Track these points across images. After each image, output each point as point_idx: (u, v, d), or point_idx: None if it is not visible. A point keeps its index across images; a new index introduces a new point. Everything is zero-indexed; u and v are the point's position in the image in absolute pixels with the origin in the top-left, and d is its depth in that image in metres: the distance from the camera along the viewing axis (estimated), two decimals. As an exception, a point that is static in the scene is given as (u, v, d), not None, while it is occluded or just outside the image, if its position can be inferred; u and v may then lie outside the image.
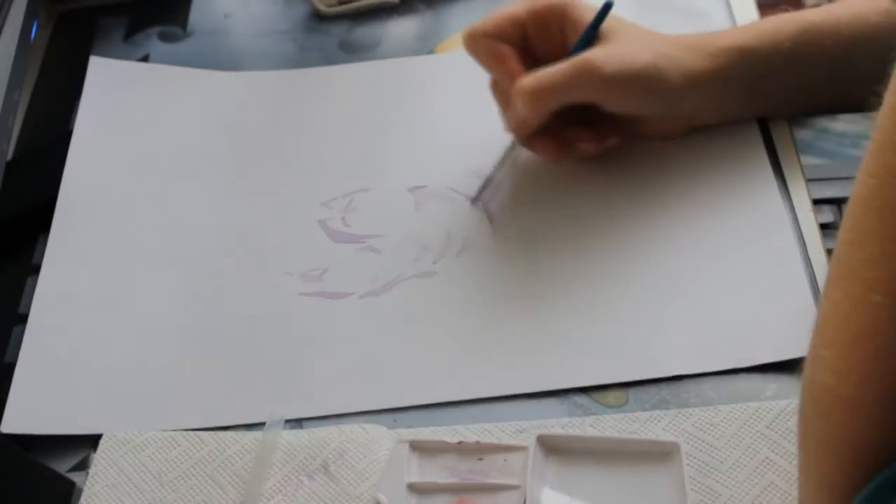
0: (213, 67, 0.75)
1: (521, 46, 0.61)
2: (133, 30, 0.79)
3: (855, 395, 0.35)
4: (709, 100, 0.61)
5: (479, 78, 0.70)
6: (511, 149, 0.63)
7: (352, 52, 0.75)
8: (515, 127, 0.61)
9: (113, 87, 0.74)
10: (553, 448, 0.52)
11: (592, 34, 0.59)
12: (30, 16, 0.67)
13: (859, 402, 0.35)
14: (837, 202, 0.59)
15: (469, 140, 0.67)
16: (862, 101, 0.58)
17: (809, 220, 0.59)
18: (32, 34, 0.69)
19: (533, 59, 0.60)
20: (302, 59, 0.75)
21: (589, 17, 0.59)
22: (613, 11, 0.60)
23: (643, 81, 0.58)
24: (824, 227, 0.59)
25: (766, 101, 0.62)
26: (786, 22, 0.61)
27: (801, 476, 0.41)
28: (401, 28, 0.76)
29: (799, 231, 0.59)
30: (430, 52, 0.74)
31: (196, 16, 0.80)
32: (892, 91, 0.33)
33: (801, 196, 0.60)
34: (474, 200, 0.64)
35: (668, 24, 0.64)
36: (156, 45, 0.78)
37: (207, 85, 0.74)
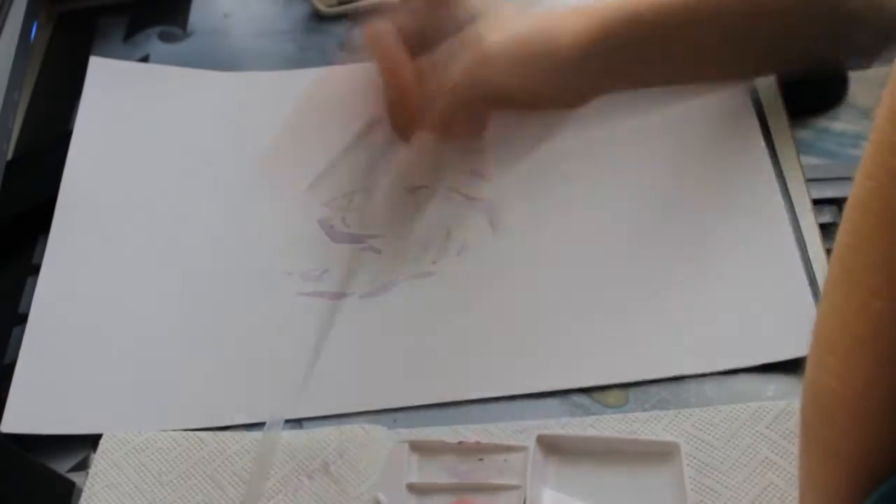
0: (213, 67, 0.75)
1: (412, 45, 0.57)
2: (133, 30, 0.79)
3: (859, 400, 0.35)
4: (602, 65, 0.57)
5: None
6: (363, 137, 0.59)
7: (352, 52, 0.75)
8: (440, 121, 0.57)
9: (113, 88, 0.74)
10: (553, 448, 0.52)
11: None
12: (30, 16, 0.67)
13: (863, 407, 0.35)
14: (837, 202, 0.59)
15: (471, 140, 0.67)
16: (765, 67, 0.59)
17: (809, 220, 0.59)
18: (32, 34, 0.69)
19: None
20: (302, 59, 0.75)
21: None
22: None
23: (535, 60, 0.56)
24: (824, 227, 0.59)
25: (666, 67, 0.60)
26: None
27: (803, 483, 0.40)
28: (401, 28, 0.76)
29: (799, 231, 0.59)
30: (430, 52, 0.74)
31: (196, 16, 0.80)
32: (891, 91, 0.33)
33: (801, 196, 0.60)
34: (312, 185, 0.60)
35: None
36: (156, 46, 0.78)
37: (207, 85, 0.74)
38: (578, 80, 0.57)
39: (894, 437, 0.35)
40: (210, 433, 0.55)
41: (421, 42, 0.57)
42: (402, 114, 0.57)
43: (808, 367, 0.38)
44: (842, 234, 0.36)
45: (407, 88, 0.56)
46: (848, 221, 0.35)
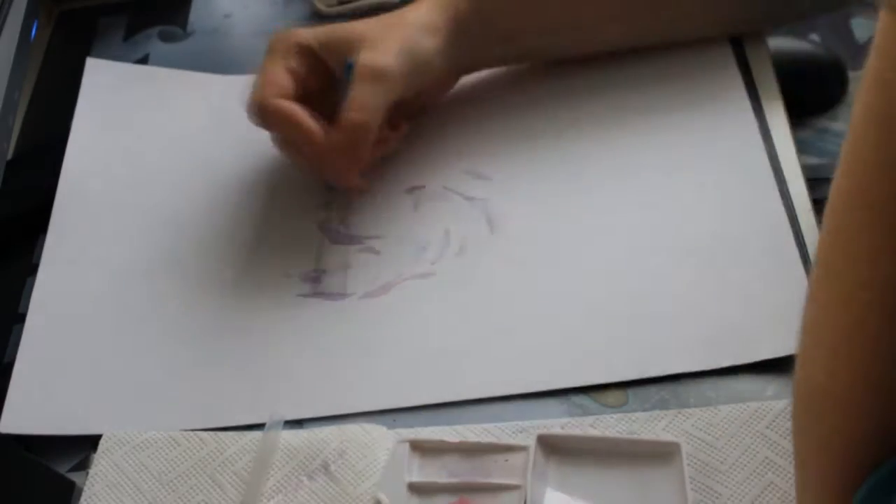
0: (213, 67, 0.75)
1: (297, 95, 0.62)
2: (133, 30, 0.79)
3: (848, 393, 0.35)
4: (460, 47, 0.63)
5: (477, 78, 0.70)
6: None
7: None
8: (353, 164, 0.62)
9: (109, 89, 0.74)
10: (554, 448, 0.52)
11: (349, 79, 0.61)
12: (30, 16, 0.67)
13: (852, 400, 0.35)
14: (837, 202, 0.59)
15: (466, 139, 0.67)
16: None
17: (809, 221, 0.59)
18: (32, 34, 0.69)
19: (307, 100, 0.62)
20: (302, 59, 0.75)
21: (339, 36, 0.62)
22: None
23: (417, 55, 0.61)
24: (824, 227, 0.59)
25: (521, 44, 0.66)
26: None
27: (798, 477, 0.40)
28: (401, 28, 0.76)
29: (799, 230, 0.59)
30: (430, 52, 0.74)
31: (196, 16, 0.80)
32: (864, 89, 0.33)
33: (801, 196, 0.60)
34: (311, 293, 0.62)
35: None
36: (156, 45, 0.78)
37: (203, 87, 0.74)
38: (450, 60, 0.63)
39: (883, 429, 0.35)
40: (210, 433, 0.55)
41: (308, 90, 0.62)
42: (329, 168, 0.62)
43: (797, 362, 0.38)
44: (825, 233, 0.36)
45: (324, 149, 0.60)
46: (830, 218, 0.36)
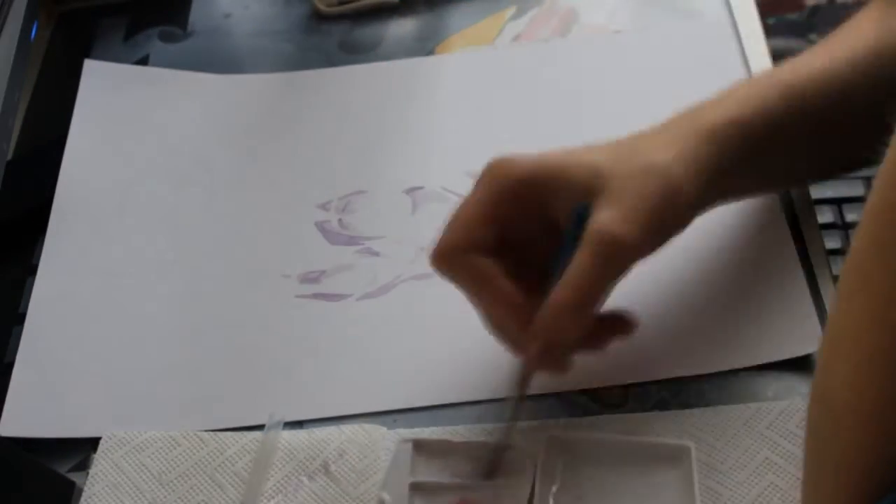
0: (213, 67, 0.75)
1: (499, 241, 0.49)
2: (133, 30, 0.79)
3: (872, 411, 0.34)
4: (713, 186, 0.50)
5: (476, 78, 0.70)
6: (520, 400, 0.51)
7: (352, 52, 0.75)
8: (554, 351, 0.49)
9: (108, 91, 0.74)
10: (562, 448, 0.51)
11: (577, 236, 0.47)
12: (30, 16, 0.67)
13: (876, 418, 0.34)
14: (837, 202, 0.59)
15: (466, 140, 0.67)
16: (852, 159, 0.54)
17: (810, 220, 0.59)
18: (32, 34, 0.69)
19: (512, 244, 0.50)
20: (302, 59, 0.75)
21: (570, 176, 0.48)
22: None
23: (666, 220, 0.48)
24: (824, 227, 0.59)
25: (764, 173, 0.54)
26: (768, 88, 0.51)
27: (807, 489, 0.39)
28: (401, 28, 0.76)
29: (799, 231, 0.59)
30: (431, 52, 0.74)
31: (196, 16, 0.79)
32: None
33: (802, 196, 0.60)
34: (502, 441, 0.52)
35: (666, 23, 0.63)
36: (156, 46, 0.78)
37: (202, 87, 0.74)
38: (697, 210, 0.51)
39: None
40: (210, 433, 0.55)
41: (508, 245, 0.49)
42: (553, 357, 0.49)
43: (819, 373, 0.37)
44: (859, 241, 0.35)
45: (517, 323, 0.48)
46: (866, 229, 0.34)
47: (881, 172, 0.34)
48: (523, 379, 0.50)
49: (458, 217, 0.50)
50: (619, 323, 0.51)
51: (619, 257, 0.47)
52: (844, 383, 0.35)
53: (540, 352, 0.48)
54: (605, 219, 0.46)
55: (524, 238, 0.50)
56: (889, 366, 0.33)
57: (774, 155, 0.52)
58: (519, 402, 0.51)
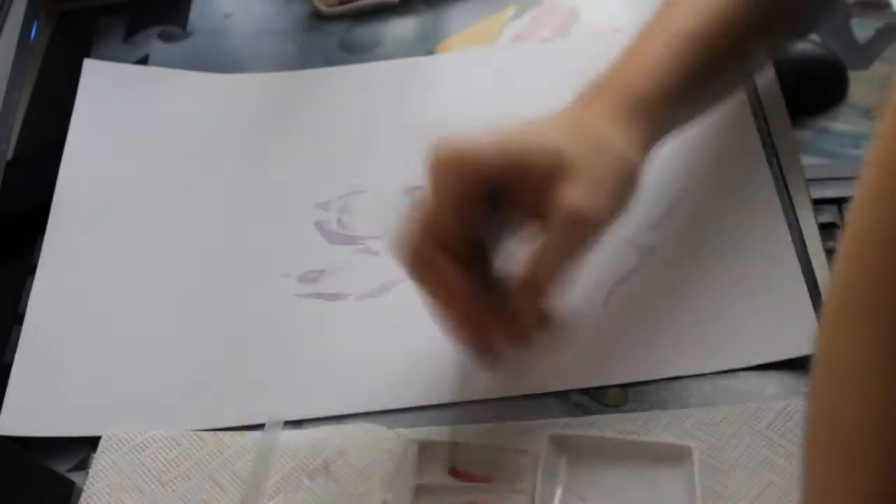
0: (213, 67, 0.75)
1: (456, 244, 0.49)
2: (133, 30, 0.79)
3: (879, 428, 0.32)
4: (658, 145, 0.53)
5: (476, 78, 0.70)
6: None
7: (352, 52, 0.75)
8: (499, 338, 0.50)
9: (107, 90, 0.74)
10: (565, 447, 0.51)
11: None
12: (30, 16, 0.67)
13: (882, 435, 0.32)
14: (837, 202, 0.59)
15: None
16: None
17: (809, 220, 0.59)
18: (32, 34, 0.69)
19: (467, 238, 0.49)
20: (302, 58, 0.75)
21: (524, 163, 0.48)
22: None
23: (625, 195, 0.50)
24: (824, 227, 0.59)
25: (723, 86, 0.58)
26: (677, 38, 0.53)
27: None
28: (401, 28, 0.76)
29: (799, 231, 0.59)
30: (431, 52, 0.74)
31: (196, 16, 0.79)
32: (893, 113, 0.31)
33: (802, 196, 0.60)
34: None
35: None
36: (156, 45, 0.78)
37: (202, 87, 0.74)
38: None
39: None
40: (210, 433, 0.55)
41: (468, 238, 0.49)
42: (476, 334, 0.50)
43: (817, 387, 0.35)
44: (843, 263, 0.33)
45: (478, 314, 0.49)
46: (851, 250, 0.33)
47: (856, 197, 0.32)
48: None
49: (415, 213, 0.49)
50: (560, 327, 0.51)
51: (585, 232, 0.48)
52: (848, 397, 0.33)
53: (520, 338, 0.49)
54: (571, 197, 0.47)
55: (482, 226, 0.50)
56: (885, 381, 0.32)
57: (709, 100, 0.57)
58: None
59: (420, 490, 0.51)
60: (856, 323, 0.33)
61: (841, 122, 0.62)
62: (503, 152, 0.49)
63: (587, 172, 0.48)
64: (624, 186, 0.49)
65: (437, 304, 0.50)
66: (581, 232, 0.48)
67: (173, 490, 0.53)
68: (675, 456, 0.50)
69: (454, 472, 0.52)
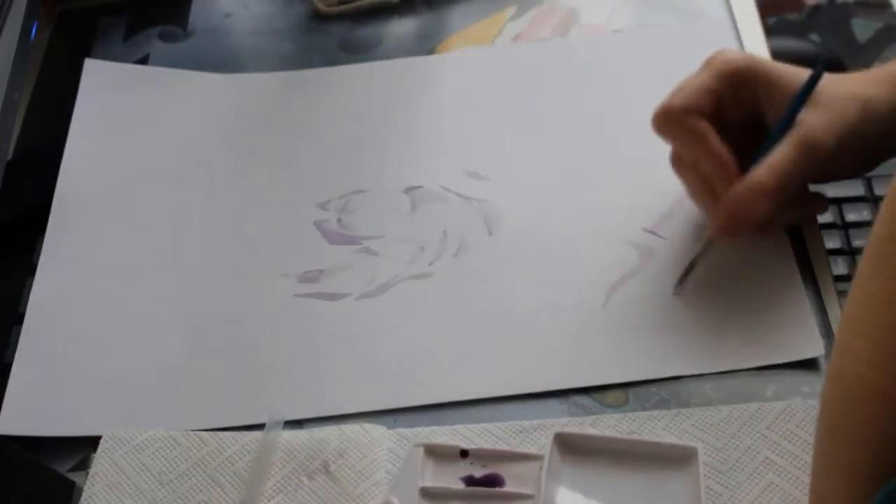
0: (213, 67, 0.75)
1: (714, 117, 0.55)
2: (133, 30, 0.79)
3: (888, 386, 0.35)
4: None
5: (476, 78, 0.70)
6: (699, 256, 0.57)
7: (352, 52, 0.75)
8: (738, 222, 0.54)
9: (108, 90, 0.74)
10: (570, 447, 0.51)
11: (800, 105, 0.54)
12: (30, 16, 0.67)
13: (891, 395, 0.35)
14: (837, 202, 0.59)
15: (465, 140, 0.67)
16: None
17: (809, 220, 0.59)
18: (32, 34, 0.69)
19: (721, 126, 0.55)
20: (302, 58, 0.75)
21: (782, 77, 0.55)
22: None
23: (857, 140, 0.53)
24: (824, 228, 0.59)
25: None
26: None
27: (819, 468, 0.40)
28: (401, 28, 0.76)
29: (799, 231, 0.59)
30: (431, 52, 0.74)
31: (196, 16, 0.80)
32: None
33: (802, 196, 0.60)
34: (676, 289, 0.58)
35: (666, 23, 0.63)
36: (156, 45, 0.78)
37: (202, 87, 0.74)
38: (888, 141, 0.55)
39: None
40: (210, 433, 0.55)
41: (720, 125, 0.55)
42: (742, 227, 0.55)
43: (836, 352, 0.38)
44: (878, 225, 0.36)
45: (720, 185, 0.54)
46: (885, 212, 0.36)
47: None
48: (707, 242, 0.57)
49: (682, 87, 0.56)
50: (812, 200, 0.58)
51: (814, 158, 0.53)
52: (861, 359, 0.36)
53: (726, 220, 0.54)
54: (812, 123, 0.53)
55: (732, 121, 0.56)
56: None
57: None
58: (699, 257, 0.57)
59: (426, 494, 0.51)
60: (873, 273, 0.36)
61: (841, 122, 0.62)
62: (762, 62, 0.56)
63: (830, 108, 0.53)
64: (858, 131, 0.53)
65: (692, 157, 0.55)
66: (811, 156, 0.52)
67: (173, 490, 0.53)
68: (679, 457, 0.50)
69: (460, 476, 0.52)
